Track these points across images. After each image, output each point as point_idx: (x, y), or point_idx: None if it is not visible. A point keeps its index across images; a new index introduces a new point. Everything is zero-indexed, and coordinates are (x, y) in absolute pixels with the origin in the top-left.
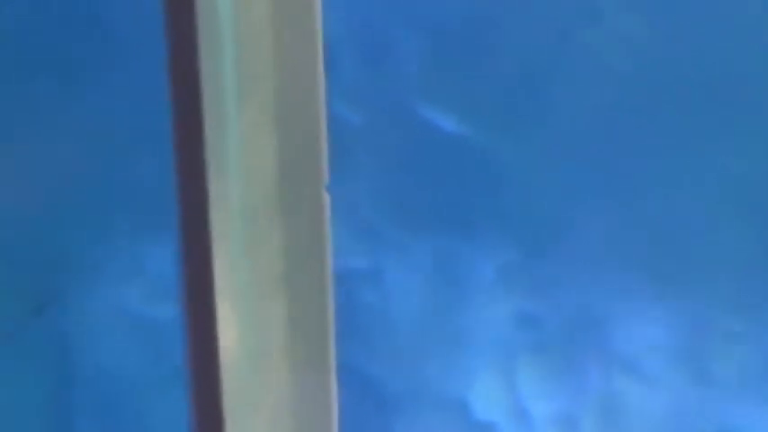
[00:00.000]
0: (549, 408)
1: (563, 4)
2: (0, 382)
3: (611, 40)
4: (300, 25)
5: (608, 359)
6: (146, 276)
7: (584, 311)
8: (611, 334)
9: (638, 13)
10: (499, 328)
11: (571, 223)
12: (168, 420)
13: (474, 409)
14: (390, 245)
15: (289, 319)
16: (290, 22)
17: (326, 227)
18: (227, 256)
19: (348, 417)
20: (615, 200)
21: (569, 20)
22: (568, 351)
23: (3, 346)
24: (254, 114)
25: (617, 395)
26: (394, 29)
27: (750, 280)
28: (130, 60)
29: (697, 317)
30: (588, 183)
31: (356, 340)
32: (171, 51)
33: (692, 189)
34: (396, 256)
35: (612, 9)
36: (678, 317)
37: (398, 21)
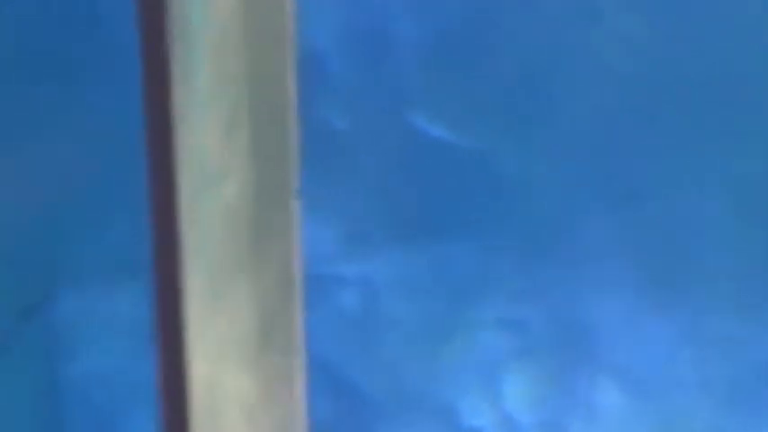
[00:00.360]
0: (536, 415)
1: (559, 4)
2: None
3: (610, 40)
4: (273, 33)
5: (597, 366)
6: (140, 280)
7: (575, 317)
8: (602, 341)
9: (638, 14)
10: (488, 333)
11: (563, 228)
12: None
13: (462, 415)
14: (379, 250)
15: (258, 325)
16: (262, 26)
17: (297, 233)
18: (197, 255)
19: (333, 423)
20: (610, 202)
21: (566, 20)
22: (557, 357)
23: None
24: (225, 118)
25: (605, 402)
26: (383, 34)
27: (747, 284)
28: (130, 61)
29: (690, 323)
30: (583, 186)
31: (343, 346)
32: (144, 55)
33: (691, 190)
34: (384, 262)
35: (611, 9)
36: (671, 324)
37: (387, 26)
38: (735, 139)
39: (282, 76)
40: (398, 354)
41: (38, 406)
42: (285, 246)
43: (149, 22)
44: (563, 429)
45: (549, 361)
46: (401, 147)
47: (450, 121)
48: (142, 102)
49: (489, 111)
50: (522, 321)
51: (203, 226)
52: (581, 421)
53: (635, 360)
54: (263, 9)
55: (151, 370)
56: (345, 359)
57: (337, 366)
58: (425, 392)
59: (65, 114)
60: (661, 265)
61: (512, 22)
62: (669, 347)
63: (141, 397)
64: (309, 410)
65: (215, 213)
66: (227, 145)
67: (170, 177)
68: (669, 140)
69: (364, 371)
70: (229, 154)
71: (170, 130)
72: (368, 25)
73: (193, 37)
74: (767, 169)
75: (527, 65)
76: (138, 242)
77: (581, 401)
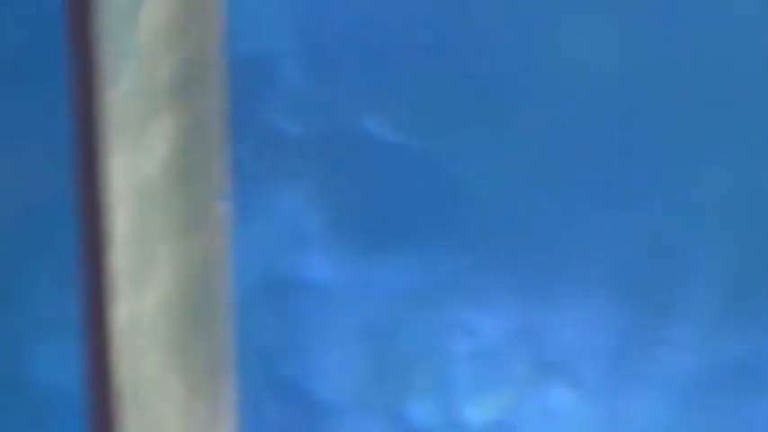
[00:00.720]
0: (486, 416)
1: (516, 4)
2: None
3: (565, 49)
4: (200, 38)
5: (547, 367)
6: None
7: (526, 319)
8: (553, 342)
9: (588, 20)
10: (438, 335)
11: (516, 230)
12: None
13: (412, 418)
14: (331, 255)
15: (187, 326)
16: (191, 32)
17: (226, 240)
18: (123, 255)
19: (285, 428)
20: (562, 203)
21: (520, 22)
22: (508, 359)
23: None
24: (152, 124)
25: (556, 404)
26: (336, 41)
27: (702, 285)
28: None
29: (641, 325)
30: (537, 187)
31: (294, 352)
32: (72, 60)
33: (652, 193)
34: (336, 267)
35: (561, 17)
36: (617, 325)
37: (340, 33)
38: (712, 141)
39: (211, 83)
40: (348, 356)
41: None
42: (211, 249)
43: (77, 28)
44: (513, 430)
45: (500, 363)
46: (352, 150)
47: (401, 124)
48: (70, 107)
49: (430, 120)
50: (472, 323)
51: (132, 229)
52: (532, 422)
53: (586, 361)
54: (193, 15)
55: None
56: (294, 362)
57: (285, 369)
58: (375, 394)
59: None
60: (613, 266)
61: (464, 26)
62: (620, 349)
63: None
64: (261, 414)
65: (141, 215)
66: (154, 149)
67: (97, 183)
68: (634, 141)
69: (314, 373)
70: (157, 157)
71: (96, 136)
72: (321, 30)
73: (121, 43)
74: (745, 172)
75: (481, 67)
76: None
77: (532, 402)
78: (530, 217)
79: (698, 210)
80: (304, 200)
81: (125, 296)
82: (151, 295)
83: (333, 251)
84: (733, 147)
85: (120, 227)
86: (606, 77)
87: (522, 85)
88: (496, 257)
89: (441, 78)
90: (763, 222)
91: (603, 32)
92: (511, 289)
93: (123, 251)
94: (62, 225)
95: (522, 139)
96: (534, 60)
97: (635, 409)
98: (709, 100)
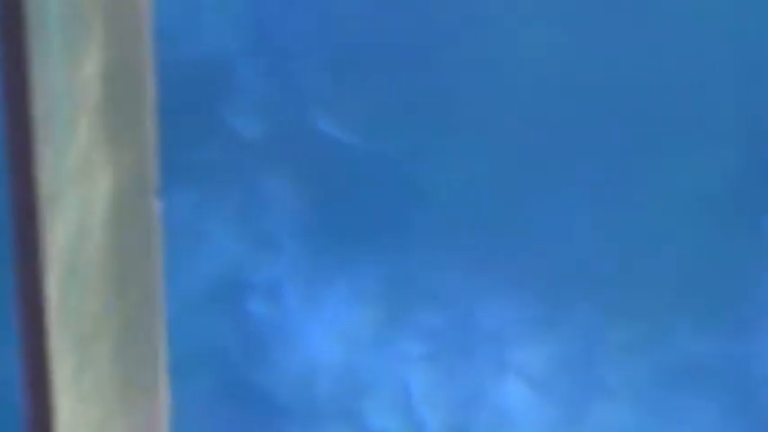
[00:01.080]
0: (443, 418)
1: (467, 12)
2: None
3: (523, 48)
4: (130, 33)
5: (505, 369)
6: None
7: (483, 321)
8: (509, 344)
9: (546, 18)
10: (396, 337)
11: (473, 232)
12: None
13: (368, 420)
14: (289, 258)
15: (117, 336)
16: (120, 25)
17: (158, 237)
18: (57, 256)
19: (241, 430)
20: (519, 206)
21: (478, 23)
22: (466, 361)
23: None
24: (84, 130)
25: (513, 405)
26: (293, 42)
27: (656, 287)
28: None
29: (592, 327)
30: (492, 193)
31: (251, 354)
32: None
33: (598, 198)
34: (294, 269)
35: (518, 16)
36: (574, 325)
37: (297, 34)
38: (667, 140)
39: (141, 74)
40: (305, 359)
41: None
42: (146, 248)
43: (7, 20)
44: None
45: (458, 364)
46: (309, 151)
47: (349, 133)
48: (2, 106)
49: (389, 122)
50: (430, 325)
51: (63, 225)
52: (488, 424)
53: (542, 362)
54: (121, 11)
55: None
56: (253, 366)
57: (245, 373)
58: (332, 397)
59: None
60: (567, 268)
61: (421, 25)
62: (577, 349)
63: None
64: (219, 418)
65: (73, 216)
66: (87, 146)
67: (31, 182)
68: (592, 140)
69: (271, 377)
70: (90, 159)
71: (30, 135)
72: (277, 30)
73: (49, 35)
74: (702, 169)
75: (437, 67)
76: None
77: (489, 404)
78: (487, 217)
79: (656, 209)
80: (260, 202)
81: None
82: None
83: (290, 252)
84: (686, 145)
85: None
86: (564, 76)
87: (480, 85)
88: (453, 258)
89: (396, 78)
90: (719, 220)
91: (562, 31)
92: (468, 289)
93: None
94: None
95: (478, 139)
96: (491, 60)
97: (592, 411)
98: (670, 100)
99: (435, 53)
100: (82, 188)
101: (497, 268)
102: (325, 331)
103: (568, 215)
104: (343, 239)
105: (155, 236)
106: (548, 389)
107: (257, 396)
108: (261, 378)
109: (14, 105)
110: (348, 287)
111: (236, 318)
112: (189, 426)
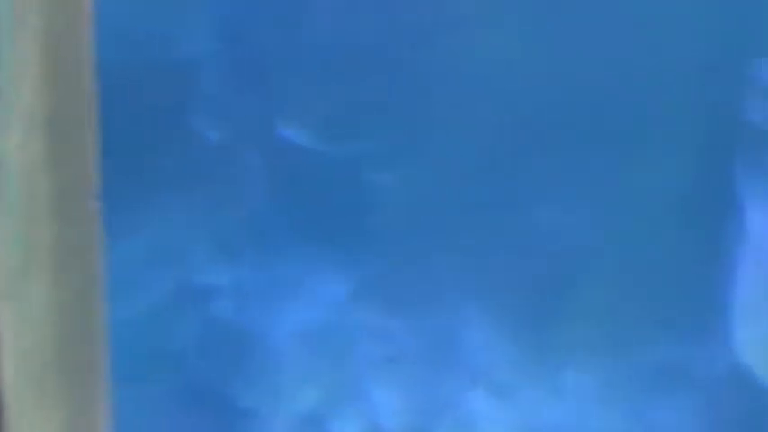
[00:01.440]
0: (405, 424)
1: (437, 14)
2: None
3: (479, 50)
4: (70, 47)
5: (463, 374)
6: None
7: (444, 326)
8: (470, 349)
9: (505, 20)
10: (354, 343)
11: (433, 237)
12: None
13: (330, 425)
14: (248, 261)
15: (57, 333)
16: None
17: (98, 237)
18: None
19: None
20: (480, 211)
21: (436, 32)
22: (426, 366)
23: None
24: (23, 127)
25: (474, 410)
26: (255, 47)
27: (613, 291)
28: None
29: (553, 331)
30: (452, 198)
31: (209, 358)
32: None
33: (564, 202)
34: (253, 273)
35: (481, 20)
36: (537, 330)
37: (259, 39)
38: (621, 149)
39: (80, 73)
40: (265, 363)
41: None
42: (87, 250)
43: None
44: None
45: (418, 369)
46: (271, 157)
47: (319, 130)
48: None
49: (350, 126)
50: (390, 330)
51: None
52: (448, 429)
53: (503, 367)
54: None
55: None
56: (212, 369)
57: (203, 376)
58: (293, 401)
59: None
60: (529, 271)
61: (391, 29)
62: (535, 354)
63: None
64: (178, 421)
65: (9, 222)
66: (25, 149)
67: None
68: (554, 148)
69: (230, 380)
70: (28, 162)
71: None
72: (239, 35)
73: None
74: (657, 172)
75: (406, 72)
76: None
77: (448, 409)
78: (446, 222)
79: (615, 212)
80: (221, 205)
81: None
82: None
83: (251, 256)
84: (644, 147)
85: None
86: (533, 79)
87: (449, 88)
88: (412, 263)
89: (364, 82)
90: (676, 221)
91: (532, 32)
92: (432, 293)
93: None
94: None
95: (447, 142)
96: (461, 62)
97: (551, 415)
98: (631, 102)
99: (403, 56)
100: (23, 189)
101: (462, 272)
102: (288, 335)
103: (533, 218)
104: (307, 243)
105: (95, 238)
106: (511, 394)
107: (219, 400)
108: (223, 382)
109: None
110: (311, 291)
111: (199, 321)
112: (149, 430)
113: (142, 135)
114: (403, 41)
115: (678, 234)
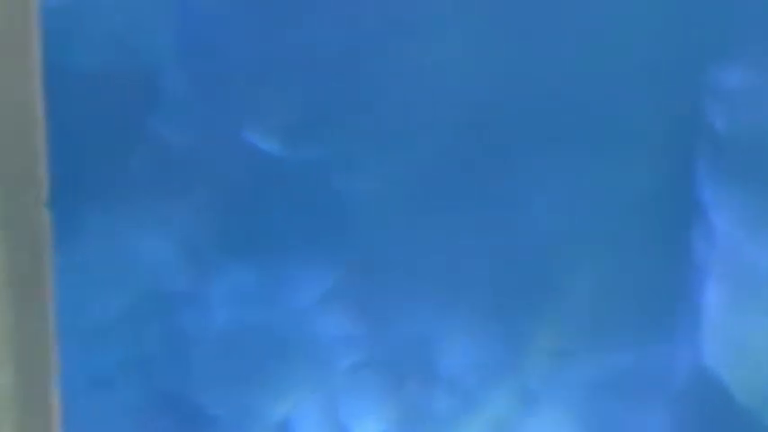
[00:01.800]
0: (371, 428)
1: (390, 21)
2: None
3: (443, 54)
4: (17, 47)
5: (432, 380)
6: None
7: (412, 331)
8: (439, 354)
9: (464, 24)
10: (323, 350)
11: (401, 243)
12: None
13: (297, 429)
14: (214, 267)
15: (7, 339)
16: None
17: (47, 243)
18: None
19: None
20: (448, 217)
21: (399, 37)
22: (395, 371)
23: None
24: None
25: (441, 414)
26: (218, 52)
27: (587, 298)
28: None
29: (522, 337)
30: (418, 203)
31: (177, 364)
32: None
33: (532, 208)
34: (220, 279)
35: (444, 24)
36: (502, 335)
37: (223, 44)
38: (587, 154)
39: (29, 86)
40: (234, 369)
41: None
42: (36, 257)
43: None
44: None
45: (384, 375)
46: (236, 162)
47: (274, 143)
48: None
49: (314, 132)
50: (355, 335)
51: None
52: None
53: (473, 373)
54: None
55: None
56: (181, 376)
57: (173, 383)
58: (258, 407)
59: None
60: (493, 276)
61: (345, 35)
62: (505, 358)
63: None
64: (143, 426)
65: None
66: None
67: None
68: (514, 153)
69: (200, 387)
70: None
71: None
72: (203, 41)
73: None
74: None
75: (364, 78)
76: None
77: (417, 415)
78: (412, 227)
79: (580, 217)
80: (187, 212)
81: None
82: None
83: (217, 263)
84: (611, 153)
85: None
86: (488, 82)
87: (405, 93)
88: (380, 269)
89: (323, 87)
90: (640, 226)
91: (485, 36)
92: (394, 300)
93: None
94: None
95: (405, 147)
96: (417, 68)
97: (523, 421)
98: (595, 107)
99: (368, 61)
100: None
101: (425, 277)
102: (254, 341)
103: (493, 222)
104: (273, 248)
105: (45, 246)
106: (481, 400)
107: (181, 404)
108: (191, 390)
109: None
110: (276, 296)
111: (163, 328)
112: None
113: (106, 141)
114: (367, 46)
115: (643, 239)
